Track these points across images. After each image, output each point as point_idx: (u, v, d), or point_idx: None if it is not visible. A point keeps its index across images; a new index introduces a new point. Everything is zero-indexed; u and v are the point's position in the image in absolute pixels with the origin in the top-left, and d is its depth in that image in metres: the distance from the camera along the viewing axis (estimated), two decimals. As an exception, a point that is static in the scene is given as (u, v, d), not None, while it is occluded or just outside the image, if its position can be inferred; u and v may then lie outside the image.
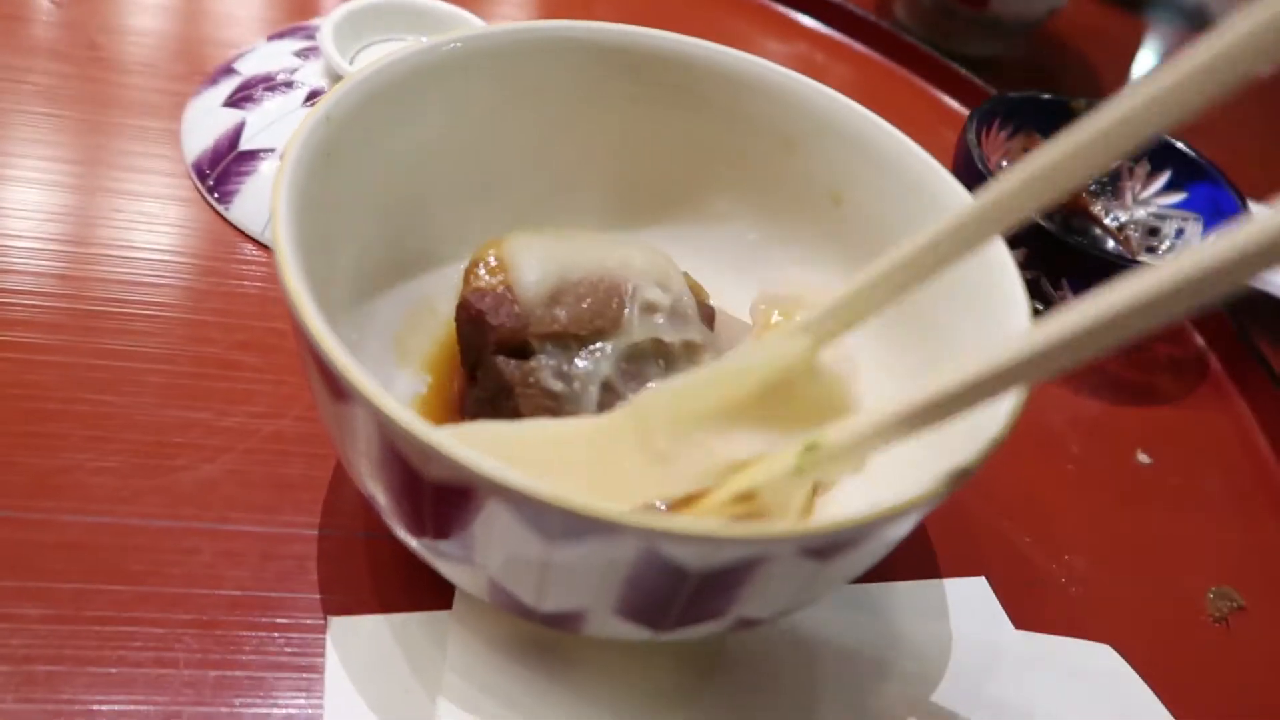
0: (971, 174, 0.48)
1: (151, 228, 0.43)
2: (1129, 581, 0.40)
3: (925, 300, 0.33)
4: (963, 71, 0.67)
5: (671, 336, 0.33)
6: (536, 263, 0.33)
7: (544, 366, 0.32)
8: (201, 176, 0.45)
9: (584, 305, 0.32)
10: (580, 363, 0.32)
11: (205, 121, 0.46)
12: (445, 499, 0.24)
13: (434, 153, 0.36)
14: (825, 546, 0.24)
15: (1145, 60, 0.88)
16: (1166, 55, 0.91)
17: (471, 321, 0.33)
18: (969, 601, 0.37)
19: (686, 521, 0.22)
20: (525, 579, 0.25)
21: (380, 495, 0.27)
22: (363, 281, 0.35)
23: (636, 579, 0.24)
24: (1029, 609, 0.37)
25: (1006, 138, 0.54)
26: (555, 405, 0.31)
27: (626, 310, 0.33)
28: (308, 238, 0.28)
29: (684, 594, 0.25)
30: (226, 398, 0.37)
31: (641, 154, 0.40)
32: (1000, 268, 0.31)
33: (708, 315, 0.36)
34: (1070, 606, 0.39)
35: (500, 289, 0.33)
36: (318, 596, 0.33)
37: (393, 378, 0.35)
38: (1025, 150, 0.55)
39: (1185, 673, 0.37)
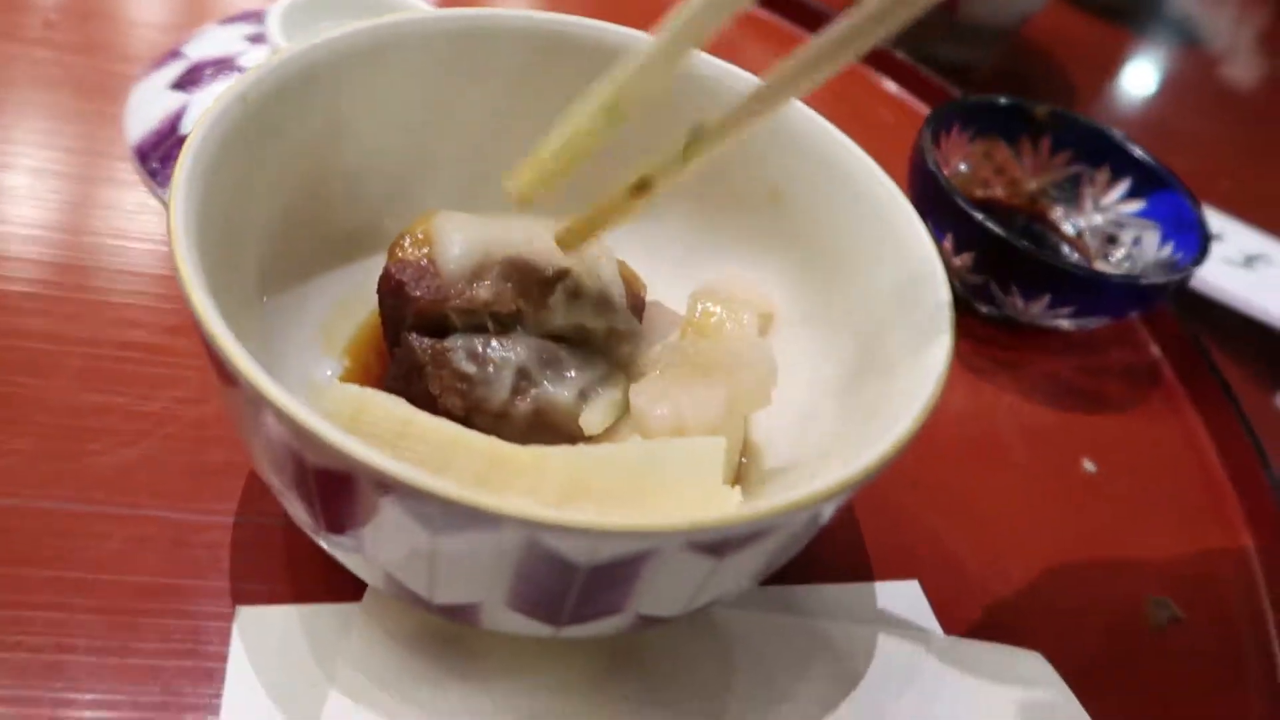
0: (926, 180, 0.47)
1: (89, 210, 0.43)
2: (1067, 589, 0.40)
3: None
4: (923, 71, 0.66)
5: (595, 323, 0.33)
6: (462, 238, 0.32)
7: (457, 348, 0.31)
8: (143, 159, 0.44)
9: (507, 284, 0.32)
10: (495, 345, 0.31)
11: (149, 104, 0.46)
12: (329, 487, 0.23)
13: (363, 138, 0.36)
14: (715, 542, 0.23)
15: (1124, 71, 0.88)
16: (1148, 67, 0.91)
17: (392, 293, 0.32)
18: (899, 605, 0.37)
19: (566, 514, 0.22)
20: (415, 570, 0.25)
21: (274, 483, 0.26)
22: (290, 269, 0.35)
23: (525, 572, 0.24)
24: (962, 614, 0.37)
25: (968, 140, 0.54)
26: (467, 388, 0.31)
27: (551, 291, 0.32)
28: (212, 217, 0.27)
29: (575, 588, 0.24)
30: (150, 382, 0.37)
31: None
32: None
33: (638, 304, 0.36)
34: (1005, 613, 0.38)
35: (423, 261, 0.32)
36: (228, 585, 0.32)
37: (315, 365, 0.35)
38: (987, 154, 0.54)
39: (1118, 682, 0.37)
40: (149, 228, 0.43)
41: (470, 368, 0.31)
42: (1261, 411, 0.51)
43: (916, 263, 0.33)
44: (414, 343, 0.32)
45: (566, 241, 0.32)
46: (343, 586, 0.32)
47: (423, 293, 0.32)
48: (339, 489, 0.23)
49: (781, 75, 0.27)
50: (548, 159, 0.29)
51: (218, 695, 0.29)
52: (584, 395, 0.33)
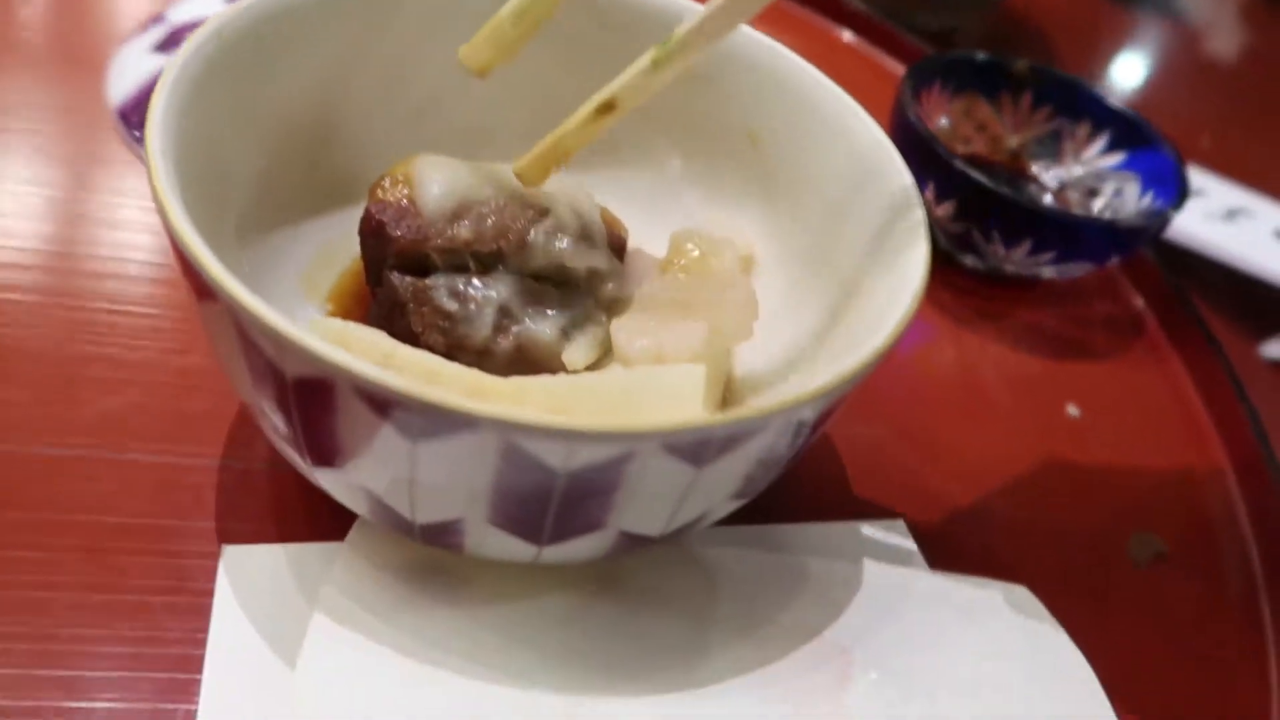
0: (907, 131, 0.47)
1: (73, 169, 0.43)
2: (1051, 527, 0.40)
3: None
4: (903, 35, 0.67)
5: (576, 262, 0.33)
6: (443, 179, 0.33)
7: (439, 285, 0.31)
8: (126, 121, 0.44)
9: (487, 222, 0.32)
10: (477, 284, 0.32)
11: (133, 68, 0.46)
12: (308, 399, 0.23)
13: (346, 79, 0.36)
14: (693, 445, 0.23)
15: (1106, 38, 0.88)
16: (1130, 33, 0.91)
17: (373, 234, 0.33)
18: (884, 542, 0.37)
19: (543, 415, 0.22)
20: (396, 486, 0.25)
21: (255, 404, 0.26)
22: (271, 215, 0.35)
23: (505, 483, 0.24)
24: (947, 552, 0.37)
25: (949, 98, 0.54)
26: (449, 325, 0.31)
27: (531, 231, 0.32)
28: (190, 150, 0.27)
29: (555, 498, 0.24)
30: (135, 334, 0.37)
31: (562, 92, 0.40)
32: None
33: (619, 245, 0.36)
34: (989, 551, 0.38)
35: (403, 202, 0.32)
36: (213, 526, 0.32)
37: (298, 311, 0.35)
38: (968, 111, 0.55)
39: (1103, 615, 0.37)
40: (132, 186, 0.43)
41: (452, 305, 0.31)
42: (1244, 360, 0.51)
43: (896, 197, 0.33)
44: (395, 281, 0.32)
45: (528, 175, 0.32)
46: (328, 528, 0.32)
47: (403, 232, 0.32)
48: (318, 400, 0.23)
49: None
50: (506, 24, 0.29)
51: (203, 630, 0.29)
52: (566, 333, 0.33)
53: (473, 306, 0.31)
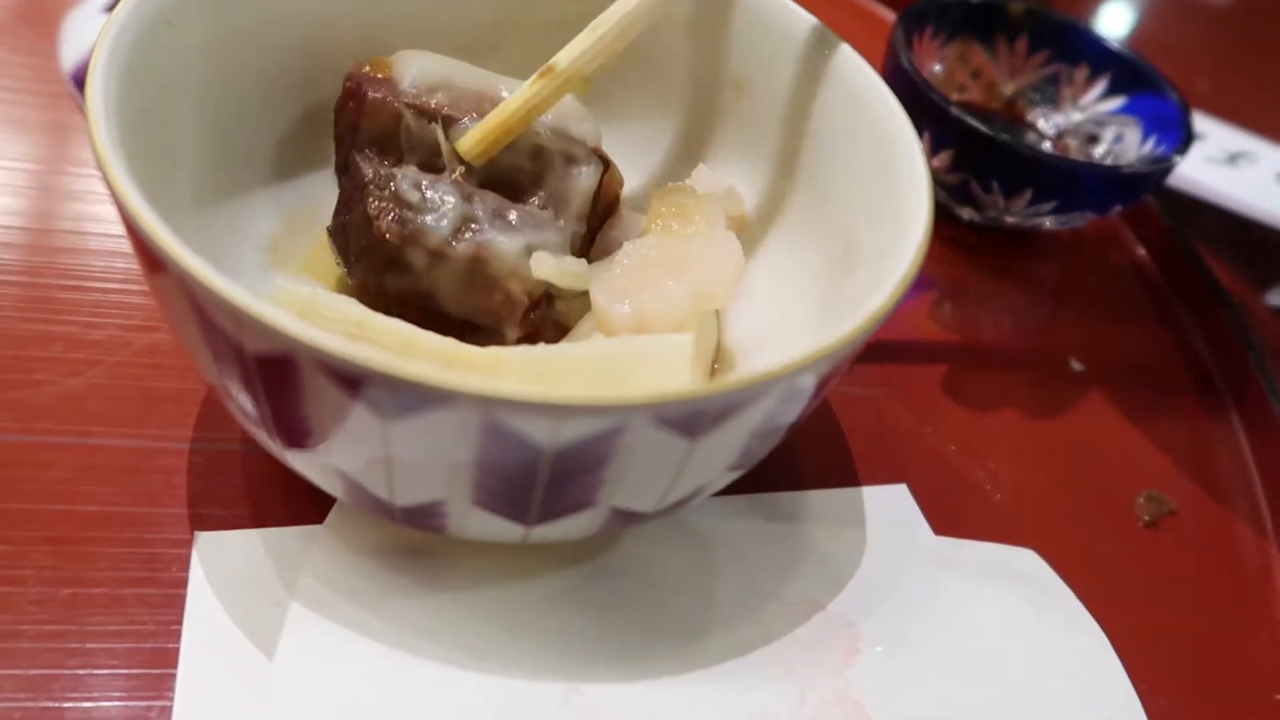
0: (900, 78, 0.45)
1: (24, 137, 0.41)
2: (1056, 487, 0.39)
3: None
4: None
5: (552, 143, 0.31)
6: (421, 64, 0.32)
7: (406, 176, 0.30)
8: (79, 86, 0.42)
9: (461, 95, 0.32)
10: (445, 186, 0.30)
11: (85, 29, 0.44)
12: (271, 377, 0.22)
13: (308, 34, 0.34)
14: (685, 417, 0.22)
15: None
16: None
17: (347, 98, 0.31)
18: (887, 508, 0.35)
19: (525, 388, 0.20)
20: (372, 468, 0.23)
21: (217, 382, 0.24)
22: (234, 180, 0.33)
23: (487, 461, 0.22)
24: (951, 516, 0.36)
25: (941, 44, 0.52)
26: (408, 214, 0.30)
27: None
28: (137, 110, 0.25)
29: (542, 477, 0.23)
30: (96, 310, 0.35)
31: (541, 41, 0.38)
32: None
33: (611, 199, 0.34)
34: (994, 513, 0.37)
35: (380, 74, 0.32)
36: (185, 511, 0.31)
37: (264, 280, 0.33)
38: (962, 58, 0.53)
39: (1112, 576, 0.36)
40: (87, 153, 0.41)
41: (413, 195, 0.30)
42: (1249, 307, 0.49)
43: (895, 146, 0.31)
44: (360, 161, 0.31)
45: (473, 153, 0.31)
46: (306, 511, 0.30)
47: (375, 91, 0.31)
48: (282, 378, 0.22)
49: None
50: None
51: (177, 622, 0.28)
52: (529, 251, 0.31)
53: (436, 200, 0.30)
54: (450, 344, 0.26)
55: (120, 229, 0.37)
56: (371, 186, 0.30)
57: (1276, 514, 0.40)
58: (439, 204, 0.30)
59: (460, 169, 0.31)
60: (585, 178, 0.32)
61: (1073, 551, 0.36)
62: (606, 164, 0.33)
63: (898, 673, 0.29)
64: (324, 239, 0.35)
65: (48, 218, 0.38)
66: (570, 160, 0.32)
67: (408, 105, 0.31)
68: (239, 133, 0.32)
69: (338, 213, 0.32)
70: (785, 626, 0.29)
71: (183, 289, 0.21)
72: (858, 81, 0.33)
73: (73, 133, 0.42)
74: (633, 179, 0.38)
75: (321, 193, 0.35)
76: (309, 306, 0.27)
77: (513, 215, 0.30)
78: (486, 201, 0.31)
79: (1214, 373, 0.46)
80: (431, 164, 0.31)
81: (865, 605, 0.31)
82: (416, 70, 0.32)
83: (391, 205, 0.30)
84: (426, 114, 0.31)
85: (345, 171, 0.32)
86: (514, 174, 0.32)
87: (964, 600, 0.32)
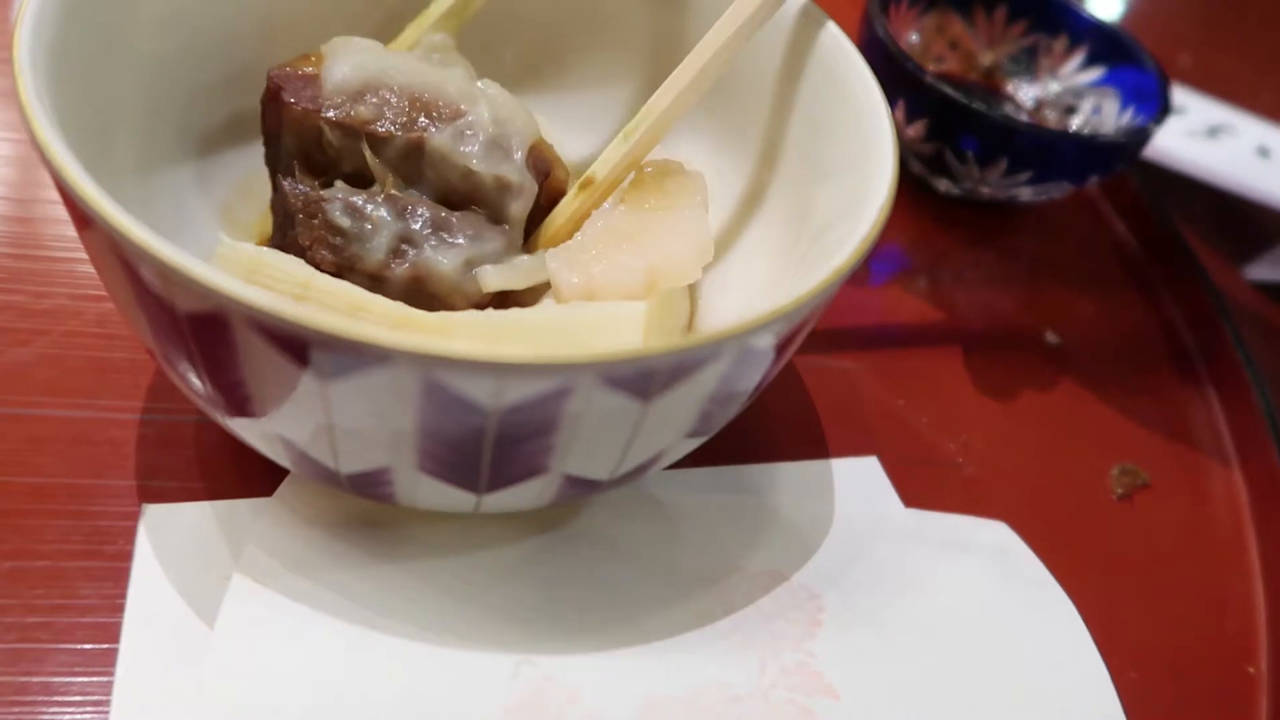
0: (875, 47, 0.45)
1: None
2: (1030, 460, 0.38)
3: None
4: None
5: (482, 167, 0.30)
6: (353, 60, 0.30)
7: (335, 199, 0.29)
8: (32, 53, 0.41)
9: (390, 105, 0.30)
10: (378, 203, 0.29)
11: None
12: (203, 336, 0.21)
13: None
14: (635, 377, 0.21)
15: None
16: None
17: (269, 100, 0.30)
18: (857, 481, 0.35)
19: (465, 345, 0.19)
20: (316, 434, 0.23)
21: (155, 348, 0.24)
22: (182, 142, 0.32)
23: (431, 425, 0.21)
24: (923, 489, 0.35)
25: (919, 13, 0.51)
26: (341, 243, 0.28)
27: (436, 127, 0.30)
28: (69, 64, 0.24)
29: (488, 441, 0.22)
30: (45, 279, 0.34)
31: (507, 12, 0.37)
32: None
33: (544, 171, 0.32)
34: (967, 486, 0.37)
35: (306, 70, 0.30)
36: (134, 484, 0.30)
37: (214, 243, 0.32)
38: (939, 28, 0.52)
39: (1084, 549, 0.36)
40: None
41: (344, 221, 0.28)
42: (1227, 282, 0.49)
43: (862, 111, 0.30)
44: (287, 187, 0.29)
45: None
46: (260, 482, 0.30)
47: (296, 100, 0.29)
48: (215, 339, 0.21)
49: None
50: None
51: (122, 596, 0.27)
52: (470, 265, 0.30)
53: (368, 226, 0.28)
54: (399, 307, 0.26)
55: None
56: (301, 216, 0.29)
57: (1250, 487, 0.39)
58: (372, 227, 0.29)
59: (392, 180, 0.30)
60: (520, 205, 0.31)
61: (1045, 524, 0.35)
62: (547, 171, 0.32)
63: (861, 644, 0.29)
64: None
65: (-4, 185, 0.37)
66: (503, 187, 0.30)
67: (328, 122, 0.29)
68: (186, 95, 0.31)
69: (274, 236, 0.31)
70: (747, 597, 0.29)
71: (111, 245, 0.20)
72: (830, 48, 0.32)
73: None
74: (595, 143, 0.37)
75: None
76: (254, 266, 0.26)
77: (453, 222, 0.30)
78: (423, 213, 0.29)
79: (1190, 346, 0.45)
80: (360, 175, 0.30)
81: (830, 577, 0.30)
82: (348, 69, 0.30)
83: (324, 233, 0.29)
84: (349, 130, 0.29)
85: (276, 189, 0.30)
86: (447, 194, 0.31)
87: (932, 572, 0.32)
